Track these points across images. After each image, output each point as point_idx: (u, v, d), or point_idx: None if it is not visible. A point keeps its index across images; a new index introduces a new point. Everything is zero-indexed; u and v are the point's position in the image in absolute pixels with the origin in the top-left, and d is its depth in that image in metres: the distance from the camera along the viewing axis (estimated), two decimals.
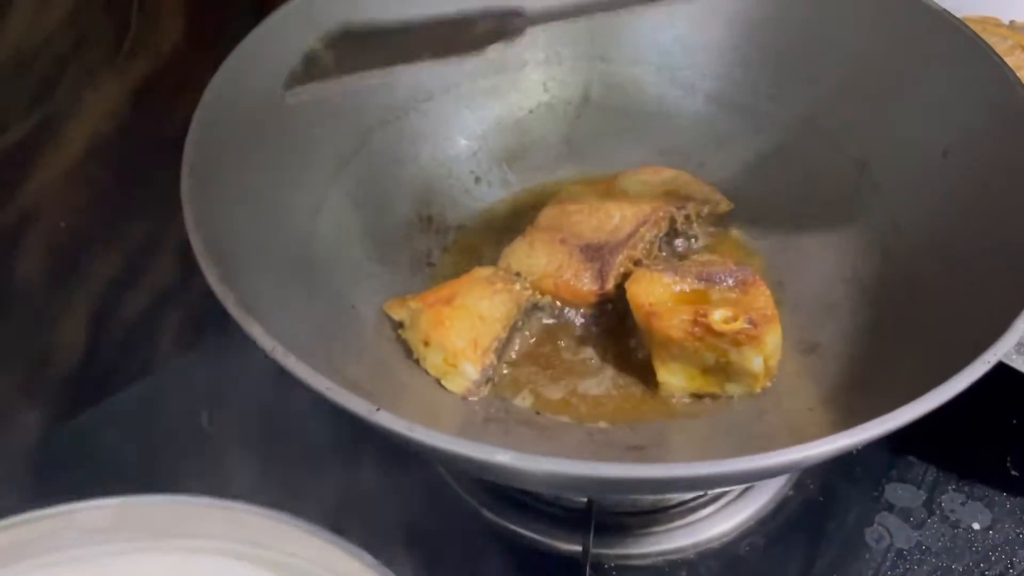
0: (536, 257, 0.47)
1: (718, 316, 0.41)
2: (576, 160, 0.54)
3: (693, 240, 0.49)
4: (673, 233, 0.49)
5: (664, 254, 0.49)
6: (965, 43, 0.42)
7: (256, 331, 0.31)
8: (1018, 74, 0.52)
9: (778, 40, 0.51)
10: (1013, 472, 0.47)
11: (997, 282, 0.37)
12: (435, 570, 0.38)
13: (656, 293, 0.44)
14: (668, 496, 0.44)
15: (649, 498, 0.44)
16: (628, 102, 0.55)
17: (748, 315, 0.41)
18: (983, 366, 0.32)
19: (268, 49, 0.43)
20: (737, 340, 0.40)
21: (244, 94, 0.42)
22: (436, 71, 0.52)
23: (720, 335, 0.40)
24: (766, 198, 0.51)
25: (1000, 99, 0.40)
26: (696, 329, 0.41)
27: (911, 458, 0.48)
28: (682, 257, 0.48)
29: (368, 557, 0.29)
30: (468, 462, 0.29)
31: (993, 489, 0.47)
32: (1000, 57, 0.41)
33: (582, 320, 0.47)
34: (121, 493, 0.32)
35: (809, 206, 0.49)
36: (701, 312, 0.41)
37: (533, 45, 0.54)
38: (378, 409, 0.28)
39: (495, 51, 0.36)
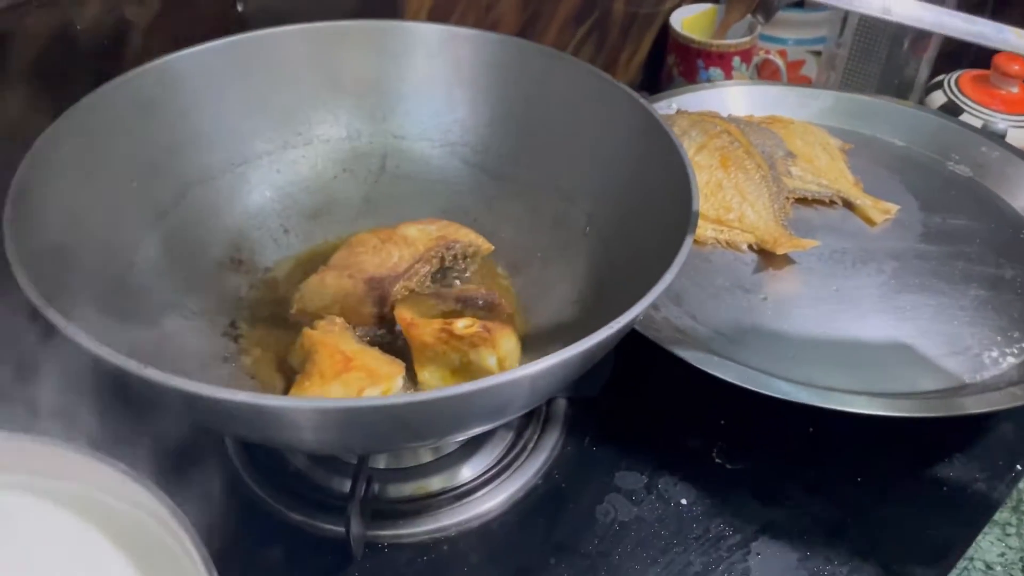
0: (327, 289, 0.57)
1: (461, 325, 0.51)
2: (374, 216, 0.65)
3: (460, 274, 0.61)
4: (443, 268, 0.60)
5: (436, 284, 0.59)
6: (663, 140, 0.55)
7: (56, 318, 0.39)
8: (722, 151, 0.67)
9: (530, 123, 0.64)
10: (717, 460, 0.59)
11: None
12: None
13: (419, 311, 0.54)
14: (433, 443, 0.52)
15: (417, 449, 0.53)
16: (417, 171, 0.67)
17: (483, 324, 0.52)
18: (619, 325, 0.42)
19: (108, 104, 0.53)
20: (474, 342, 0.51)
21: (78, 144, 0.51)
22: (253, 142, 0.63)
23: (461, 338, 0.51)
24: (521, 244, 0.63)
25: (673, 173, 0.53)
26: (443, 334, 0.51)
27: (638, 452, 0.59)
28: (449, 286, 0.59)
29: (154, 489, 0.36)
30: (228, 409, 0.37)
31: (700, 474, 0.58)
32: (678, 142, 0.54)
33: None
34: None
35: (552, 250, 0.61)
36: (448, 322, 0.52)
37: (336, 123, 0.66)
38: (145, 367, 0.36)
39: None
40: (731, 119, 0.75)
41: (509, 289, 0.61)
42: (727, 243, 0.66)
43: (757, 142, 0.71)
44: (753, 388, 0.53)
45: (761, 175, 0.68)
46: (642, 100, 0.58)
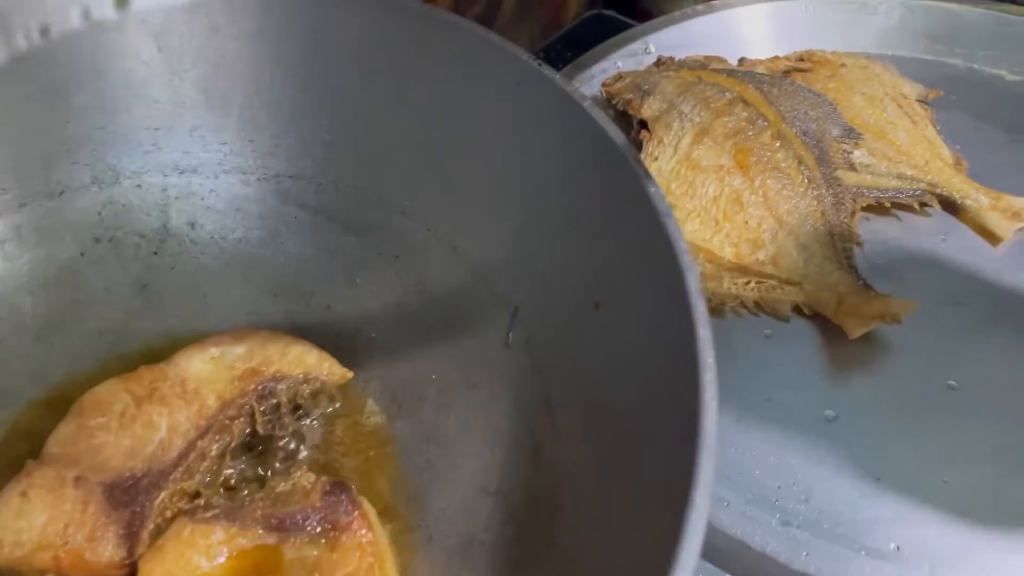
0: (32, 515, 0.30)
1: None
2: (154, 316, 0.38)
3: (290, 441, 0.34)
4: (258, 435, 0.34)
5: (242, 468, 0.33)
6: (619, 163, 0.28)
7: None
8: (736, 137, 0.39)
9: (402, 137, 0.37)
10: None
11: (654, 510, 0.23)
12: None
13: (187, 561, 0.28)
14: None
15: None
16: (224, 227, 0.40)
17: None
18: None
19: None
20: None
21: None
22: None
23: None
24: (406, 356, 0.36)
25: (658, 247, 0.26)
26: None
27: None
28: (260, 481, 0.33)
29: None
30: None
31: None
32: (641, 168, 0.27)
33: None
34: None
35: (455, 368, 0.35)
36: None
37: (69, 159, 0.38)
38: None
39: None
40: (745, 71, 0.46)
41: (386, 452, 0.34)
42: (757, 305, 0.39)
43: (792, 113, 0.42)
44: None
45: (806, 177, 0.40)
46: (576, 95, 0.30)
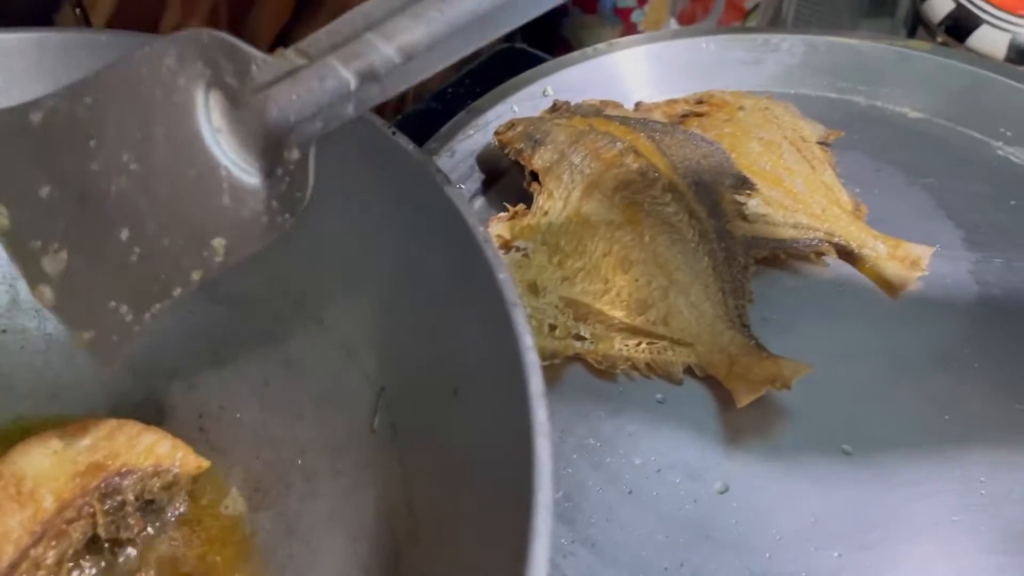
0: None
1: None
2: (4, 400, 0.36)
3: (137, 543, 0.31)
4: (100, 537, 0.31)
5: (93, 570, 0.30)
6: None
7: None
8: (626, 191, 0.38)
9: None
10: None
11: None
12: None
13: None
14: None
15: None
16: None
17: None
18: None
19: None
20: None
21: None
22: None
23: None
24: (272, 439, 0.34)
25: (505, 339, 0.24)
26: None
27: None
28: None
29: None
30: None
31: None
32: (490, 249, 0.25)
33: None
34: None
35: (322, 453, 0.33)
36: None
37: None
38: None
39: None
40: (638, 119, 0.45)
41: (245, 541, 0.32)
42: (649, 367, 0.37)
43: (685, 163, 0.41)
44: None
45: (697, 231, 0.39)
46: (430, 168, 0.28)
